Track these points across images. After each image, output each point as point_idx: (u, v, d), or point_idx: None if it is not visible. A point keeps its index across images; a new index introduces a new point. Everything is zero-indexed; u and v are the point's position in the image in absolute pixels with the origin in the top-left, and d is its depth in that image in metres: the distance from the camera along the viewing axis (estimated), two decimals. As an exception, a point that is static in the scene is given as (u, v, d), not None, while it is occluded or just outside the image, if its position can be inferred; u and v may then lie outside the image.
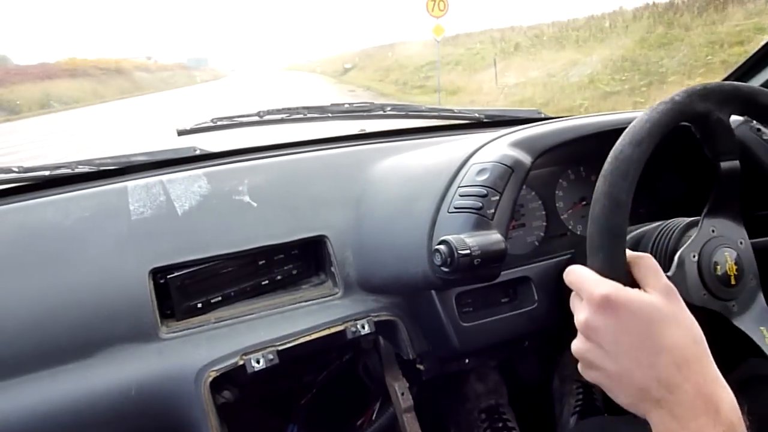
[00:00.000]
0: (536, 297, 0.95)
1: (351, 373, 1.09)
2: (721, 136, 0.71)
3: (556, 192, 1.10)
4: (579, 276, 0.59)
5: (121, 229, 0.90)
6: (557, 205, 1.09)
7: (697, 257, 0.72)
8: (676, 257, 0.73)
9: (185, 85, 36.44)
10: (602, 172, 0.62)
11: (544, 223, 1.08)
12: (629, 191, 0.61)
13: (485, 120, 1.32)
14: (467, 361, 0.98)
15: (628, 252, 0.61)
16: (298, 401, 1.04)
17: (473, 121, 1.31)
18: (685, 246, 0.74)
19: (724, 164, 0.73)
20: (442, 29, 13.04)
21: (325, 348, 0.95)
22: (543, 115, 1.37)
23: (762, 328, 0.74)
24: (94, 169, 1.06)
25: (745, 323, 0.71)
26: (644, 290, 0.56)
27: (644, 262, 0.59)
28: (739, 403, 0.68)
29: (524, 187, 1.07)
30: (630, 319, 0.54)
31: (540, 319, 0.95)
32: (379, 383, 1.03)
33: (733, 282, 0.73)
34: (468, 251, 0.73)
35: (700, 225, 0.75)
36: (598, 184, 0.62)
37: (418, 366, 0.96)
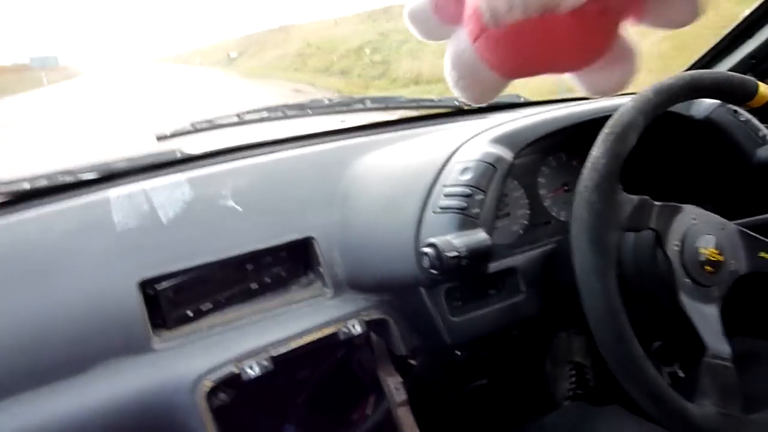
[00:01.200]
0: (522, 288, 0.97)
1: (345, 369, 1.10)
2: None
3: (539, 180, 1.11)
4: None
5: (107, 242, 0.90)
6: (540, 192, 1.10)
7: (696, 222, 0.75)
8: (677, 205, 0.75)
9: (30, 89, 29.54)
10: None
11: (528, 212, 1.09)
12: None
13: (466, 108, 1.32)
14: (459, 353, 0.99)
15: None
16: (293, 400, 1.05)
17: (454, 110, 1.31)
18: (690, 209, 0.75)
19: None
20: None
21: (319, 347, 0.96)
22: (523, 100, 1.38)
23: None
24: (74, 179, 1.05)
25: (687, 306, 0.73)
26: None
27: None
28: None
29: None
30: None
31: (527, 309, 0.97)
32: (373, 378, 1.04)
33: (706, 268, 0.74)
34: (455, 253, 0.74)
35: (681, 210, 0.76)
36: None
37: (410, 361, 0.98)
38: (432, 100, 1.30)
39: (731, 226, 0.76)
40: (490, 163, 0.84)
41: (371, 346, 1.03)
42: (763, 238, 0.77)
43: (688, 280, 0.72)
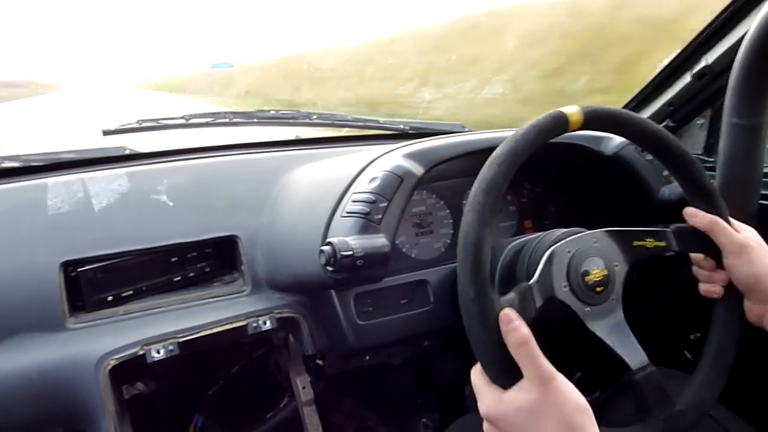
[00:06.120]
0: (431, 299, 1.02)
1: (263, 368, 1.14)
2: None
3: (463, 202, 1.16)
4: (474, 386, 0.67)
5: (36, 223, 0.94)
6: None
7: (571, 253, 0.76)
8: (548, 251, 0.76)
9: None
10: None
11: (451, 231, 1.15)
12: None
13: (410, 131, 1.38)
14: (367, 358, 1.03)
15: (511, 344, 0.64)
16: (205, 392, 1.09)
17: (398, 132, 1.38)
18: (561, 243, 0.77)
19: None
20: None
21: (233, 342, 0.99)
22: (467, 129, 1.45)
23: None
24: (20, 164, 1.10)
25: (596, 329, 0.76)
26: (523, 381, 0.62)
27: (524, 351, 0.63)
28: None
29: (434, 196, 1.14)
30: (509, 425, 0.62)
31: (435, 321, 1.01)
32: (288, 379, 1.08)
33: (597, 290, 0.79)
34: (350, 252, 0.79)
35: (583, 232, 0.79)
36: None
37: (318, 361, 1.02)
38: (377, 121, 1.36)
39: (599, 233, 0.79)
40: (397, 175, 0.89)
41: (288, 348, 1.07)
42: (628, 228, 0.80)
43: (588, 309, 0.76)
